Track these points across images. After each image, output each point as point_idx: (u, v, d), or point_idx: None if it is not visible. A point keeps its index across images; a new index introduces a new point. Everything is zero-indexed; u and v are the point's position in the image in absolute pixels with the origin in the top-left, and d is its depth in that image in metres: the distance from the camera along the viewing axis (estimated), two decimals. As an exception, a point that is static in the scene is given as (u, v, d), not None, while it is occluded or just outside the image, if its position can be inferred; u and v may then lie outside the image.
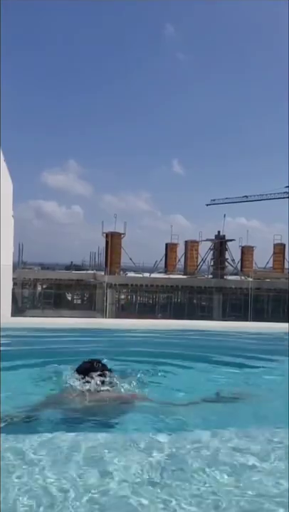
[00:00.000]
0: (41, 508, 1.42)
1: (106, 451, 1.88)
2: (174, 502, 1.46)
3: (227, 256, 38.00)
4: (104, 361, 3.24)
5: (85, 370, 3.24)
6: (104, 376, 3.19)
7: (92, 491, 1.53)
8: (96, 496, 1.51)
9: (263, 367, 3.95)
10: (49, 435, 2.09)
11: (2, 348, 4.26)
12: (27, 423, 2.40)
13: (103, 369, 3.24)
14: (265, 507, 1.44)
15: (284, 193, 43.41)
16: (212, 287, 33.16)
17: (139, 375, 3.15)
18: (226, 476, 1.64)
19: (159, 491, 1.53)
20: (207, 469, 1.68)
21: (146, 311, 30.73)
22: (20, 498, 1.47)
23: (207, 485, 1.58)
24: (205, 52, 68.07)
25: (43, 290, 33.38)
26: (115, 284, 30.91)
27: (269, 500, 1.47)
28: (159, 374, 3.37)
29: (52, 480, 1.59)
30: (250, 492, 1.54)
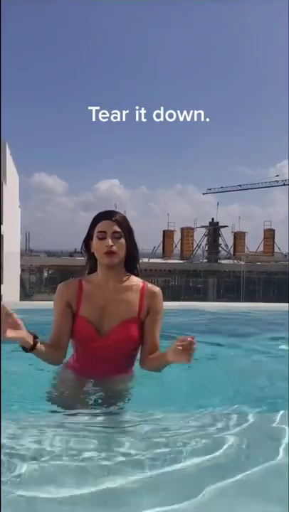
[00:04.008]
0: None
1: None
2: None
3: (220, 241, 38.05)
4: None
5: None
6: None
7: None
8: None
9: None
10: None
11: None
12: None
13: None
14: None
15: (274, 181, 43.38)
16: (207, 271, 33.21)
17: None
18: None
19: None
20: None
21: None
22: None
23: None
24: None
25: (49, 276, 33.41)
26: (116, 269, 30.89)
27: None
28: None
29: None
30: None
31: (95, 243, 2.12)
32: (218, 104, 77.03)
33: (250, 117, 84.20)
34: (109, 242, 2.07)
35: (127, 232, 2.15)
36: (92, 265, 2.23)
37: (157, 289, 2.25)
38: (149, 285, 2.25)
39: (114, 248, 2.08)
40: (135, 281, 2.25)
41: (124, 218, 2.17)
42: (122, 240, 2.12)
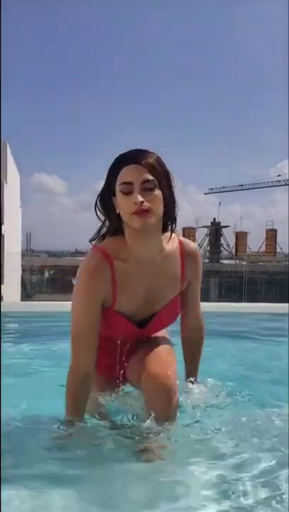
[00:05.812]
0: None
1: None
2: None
3: (222, 241, 38.08)
4: None
5: None
6: None
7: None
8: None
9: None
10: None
11: (12, 329, 4.28)
12: None
13: None
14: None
15: (276, 181, 43.37)
16: (208, 271, 33.15)
17: None
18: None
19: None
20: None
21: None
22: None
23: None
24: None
25: (50, 276, 33.42)
26: (118, 269, 30.86)
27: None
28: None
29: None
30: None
31: (119, 199, 1.52)
32: (219, 103, 77.00)
33: (250, 117, 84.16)
34: (138, 197, 1.46)
35: (164, 179, 1.54)
36: (116, 228, 1.61)
37: (195, 247, 1.73)
38: (186, 243, 1.69)
39: (147, 205, 1.48)
40: (173, 242, 1.66)
41: (159, 160, 1.54)
42: (157, 192, 1.50)
